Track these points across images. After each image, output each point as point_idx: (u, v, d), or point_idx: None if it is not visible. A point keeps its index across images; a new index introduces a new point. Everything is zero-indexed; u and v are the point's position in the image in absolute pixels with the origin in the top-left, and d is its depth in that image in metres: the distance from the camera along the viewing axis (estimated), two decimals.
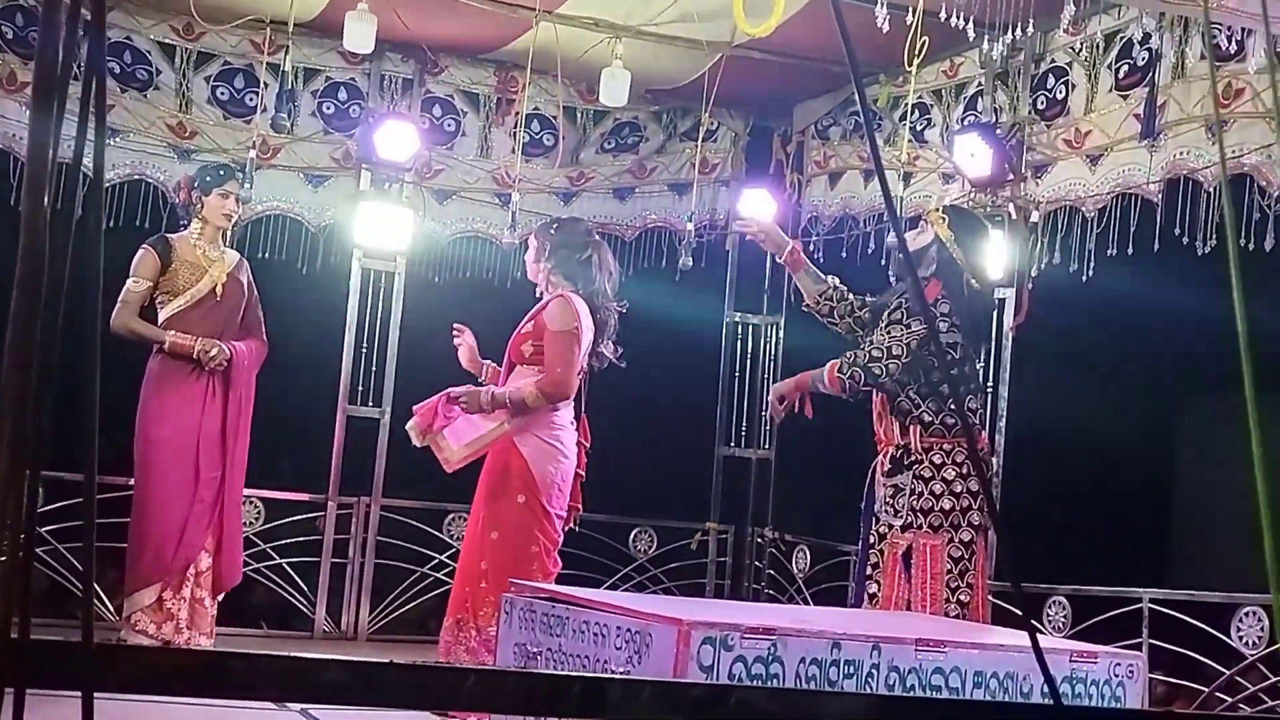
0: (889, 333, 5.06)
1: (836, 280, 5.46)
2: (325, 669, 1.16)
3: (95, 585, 6.45)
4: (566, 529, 5.39)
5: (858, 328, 5.36)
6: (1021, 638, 1.78)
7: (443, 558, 7.39)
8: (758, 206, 7.57)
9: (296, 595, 7.33)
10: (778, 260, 5.59)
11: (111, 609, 6.45)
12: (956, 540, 5.02)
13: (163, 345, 5.88)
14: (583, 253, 5.38)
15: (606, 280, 5.42)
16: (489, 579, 5.12)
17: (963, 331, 5.16)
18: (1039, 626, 5.88)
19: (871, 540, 5.20)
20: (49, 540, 6.52)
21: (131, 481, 5.93)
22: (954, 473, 5.04)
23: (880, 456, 5.21)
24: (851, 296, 5.40)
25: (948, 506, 5.02)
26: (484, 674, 1.38)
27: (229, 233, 6.20)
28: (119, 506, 6.05)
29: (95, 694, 1.15)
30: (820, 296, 5.42)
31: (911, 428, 5.08)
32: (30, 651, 1.02)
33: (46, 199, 1.04)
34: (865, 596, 5.19)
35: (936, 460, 5.06)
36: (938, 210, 5.45)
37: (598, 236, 5.64)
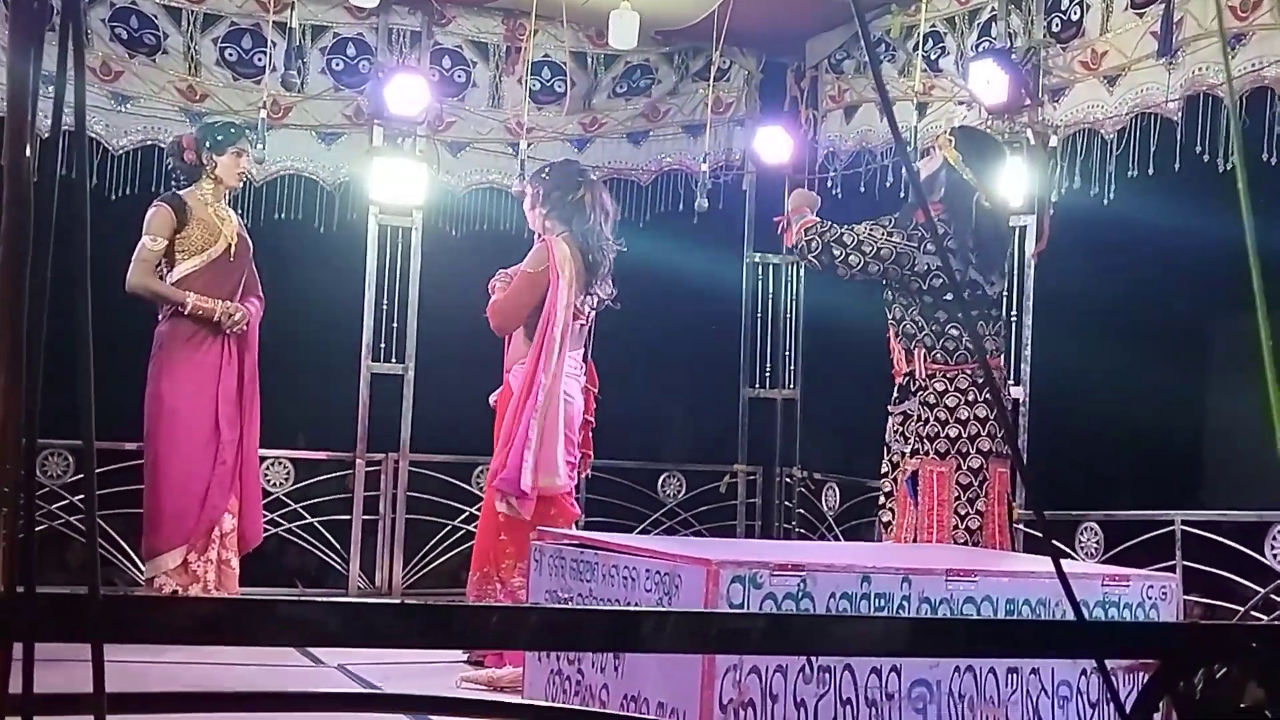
0: (873, 232, 5.02)
1: None
2: (334, 612, 1.15)
3: (129, 550, 6.50)
4: (582, 475, 5.36)
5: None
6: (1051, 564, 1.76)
7: (473, 510, 7.39)
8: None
9: (330, 553, 7.37)
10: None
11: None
12: (965, 468, 4.98)
13: (181, 307, 5.82)
14: (575, 193, 5.30)
15: (603, 221, 5.32)
16: (506, 530, 5.12)
17: (977, 254, 5.11)
18: (1062, 548, 5.86)
19: (884, 469, 5.19)
20: (80, 509, 6.54)
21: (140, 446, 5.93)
22: (956, 400, 4.99)
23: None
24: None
25: (954, 434, 4.98)
26: (507, 611, 1.36)
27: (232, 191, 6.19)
28: None
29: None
30: None
31: (916, 352, 5.05)
32: (36, 604, 1.01)
33: (29, 148, 1.02)
34: (880, 526, 5.18)
35: (939, 387, 5.02)
36: (946, 134, 5.40)
37: (593, 176, 5.58)
